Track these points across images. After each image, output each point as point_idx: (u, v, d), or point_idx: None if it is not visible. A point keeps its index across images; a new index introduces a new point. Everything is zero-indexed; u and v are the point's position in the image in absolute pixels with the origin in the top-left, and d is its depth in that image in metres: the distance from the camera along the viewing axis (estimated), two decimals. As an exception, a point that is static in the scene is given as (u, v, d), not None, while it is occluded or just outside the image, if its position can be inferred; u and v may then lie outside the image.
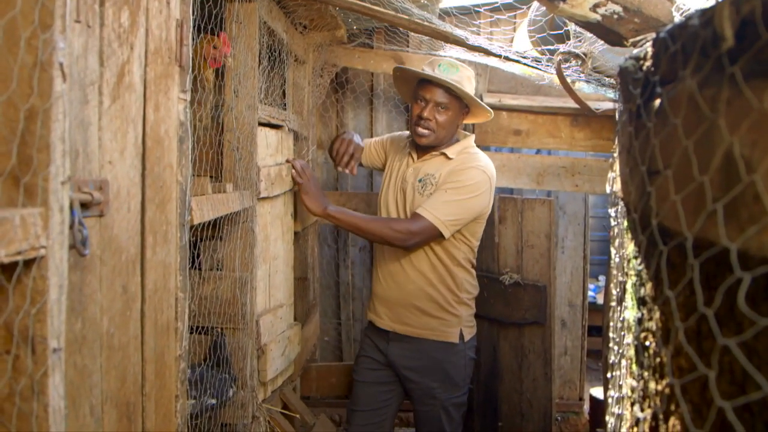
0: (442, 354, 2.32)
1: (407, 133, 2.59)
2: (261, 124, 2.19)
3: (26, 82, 0.82)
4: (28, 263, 0.82)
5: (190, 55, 1.39)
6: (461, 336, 2.34)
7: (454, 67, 2.28)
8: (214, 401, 1.83)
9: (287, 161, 2.45)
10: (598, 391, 3.24)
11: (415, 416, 2.43)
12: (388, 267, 2.38)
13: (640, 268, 0.93)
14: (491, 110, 2.38)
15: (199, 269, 2.05)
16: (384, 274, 2.39)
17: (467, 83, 2.30)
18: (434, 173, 2.32)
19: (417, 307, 2.31)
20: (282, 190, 2.42)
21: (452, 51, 3.03)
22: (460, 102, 2.32)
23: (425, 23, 2.48)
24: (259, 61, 2.14)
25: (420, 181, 2.33)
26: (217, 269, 2.06)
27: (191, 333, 1.52)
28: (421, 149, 2.39)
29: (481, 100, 3.18)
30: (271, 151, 2.35)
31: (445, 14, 3.20)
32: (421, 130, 2.29)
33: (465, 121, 2.47)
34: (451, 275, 2.32)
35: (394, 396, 2.42)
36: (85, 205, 0.98)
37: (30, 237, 0.79)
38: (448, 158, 2.33)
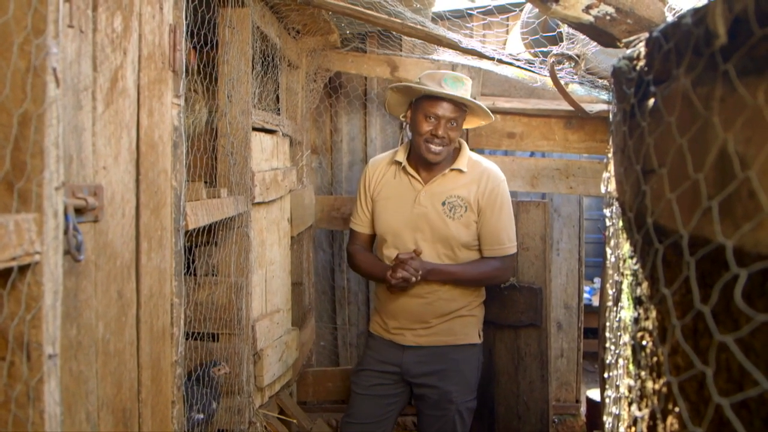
0: (461, 355, 2.31)
1: (382, 155, 2.51)
2: (255, 129, 2.19)
3: (19, 87, 0.82)
4: (23, 269, 0.81)
5: (183, 60, 1.39)
6: (479, 336, 2.38)
7: (459, 81, 2.24)
8: (201, 416, 1.82)
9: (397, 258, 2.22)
10: (594, 393, 3.23)
11: (424, 422, 2.34)
12: None
13: (635, 267, 0.93)
14: (492, 116, 2.34)
15: (195, 275, 2.04)
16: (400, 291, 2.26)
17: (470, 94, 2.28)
18: (460, 195, 2.27)
19: (441, 317, 2.28)
20: (278, 194, 2.41)
21: (445, 54, 3.04)
22: (464, 114, 2.30)
23: (418, 27, 2.49)
24: (253, 66, 2.14)
25: (444, 204, 2.27)
26: (213, 274, 2.05)
27: (186, 339, 1.52)
28: (425, 169, 2.32)
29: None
30: (266, 155, 2.35)
31: (438, 18, 3.22)
32: (435, 148, 2.22)
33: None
34: None
35: (394, 409, 2.38)
36: (79, 211, 0.97)
37: (24, 243, 0.79)
38: (462, 172, 2.30)
